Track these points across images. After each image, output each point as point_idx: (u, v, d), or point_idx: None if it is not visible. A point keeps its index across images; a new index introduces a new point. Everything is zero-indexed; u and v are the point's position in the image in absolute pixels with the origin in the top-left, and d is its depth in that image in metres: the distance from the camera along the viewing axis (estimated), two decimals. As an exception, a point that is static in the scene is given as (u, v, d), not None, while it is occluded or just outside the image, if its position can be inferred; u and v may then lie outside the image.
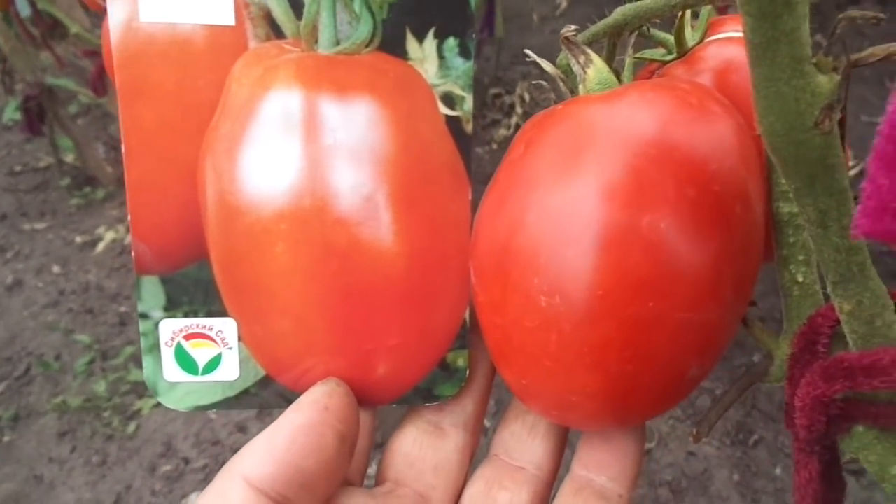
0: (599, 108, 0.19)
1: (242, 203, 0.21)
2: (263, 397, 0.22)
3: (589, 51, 0.21)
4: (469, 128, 0.22)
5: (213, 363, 0.22)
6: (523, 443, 0.23)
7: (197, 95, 0.21)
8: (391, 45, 0.21)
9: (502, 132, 1.48)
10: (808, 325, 0.18)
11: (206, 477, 0.96)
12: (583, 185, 0.18)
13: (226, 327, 0.22)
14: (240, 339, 0.22)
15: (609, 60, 0.23)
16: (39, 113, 1.36)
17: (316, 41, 0.21)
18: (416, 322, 0.22)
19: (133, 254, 0.22)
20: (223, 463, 0.86)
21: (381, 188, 0.21)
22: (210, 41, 0.20)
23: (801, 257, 0.19)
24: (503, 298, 0.19)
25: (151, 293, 0.22)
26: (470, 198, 0.22)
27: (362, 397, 0.22)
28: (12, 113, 1.56)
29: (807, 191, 0.16)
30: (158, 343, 0.22)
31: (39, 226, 1.49)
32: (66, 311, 1.27)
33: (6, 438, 1.09)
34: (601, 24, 0.22)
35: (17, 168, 1.65)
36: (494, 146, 1.47)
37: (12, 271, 1.38)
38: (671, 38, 0.26)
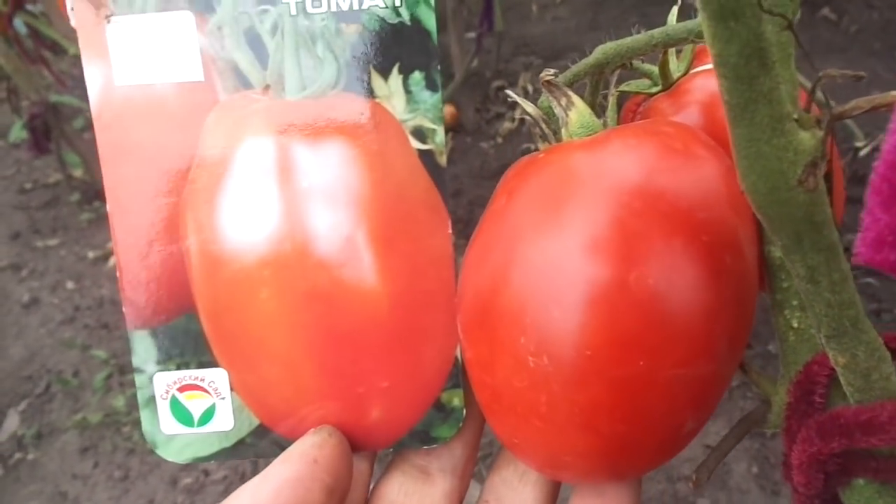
0: (582, 157, 0.19)
1: (224, 253, 0.21)
2: (259, 447, 0.22)
3: (570, 93, 0.20)
4: (443, 160, 0.22)
5: (208, 414, 0.22)
6: (514, 490, 0.23)
7: (174, 151, 0.21)
8: (357, 84, 0.21)
9: (506, 125, 1.47)
10: (804, 373, 0.18)
11: (227, 489, 0.97)
12: (567, 239, 0.18)
13: (217, 377, 0.22)
14: (232, 388, 0.22)
15: (593, 97, 0.23)
16: (45, 130, 1.37)
17: (283, 88, 0.21)
18: (405, 362, 0.22)
19: (124, 310, 0.22)
20: (242, 475, 0.87)
21: (359, 228, 0.21)
22: (182, 98, 0.21)
23: (794, 302, 0.19)
24: (491, 357, 0.19)
25: (144, 347, 0.22)
26: (449, 231, 0.22)
27: (358, 443, 0.22)
28: (19, 132, 1.57)
29: (795, 248, 0.15)
30: (154, 396, 0.22)
31: (52, 242, 1.50)
32: (83, 326, 1.29)
33: (30, 456, 1.10)
34: (582, 64, 0.21)
35: (28, 185, 1.67)
36: (499, 140, 1.46)
37: (28, 289, 1.39)
38: (656, 70, 0.25)
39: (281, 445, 0.22)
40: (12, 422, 1.17)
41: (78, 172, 1.60)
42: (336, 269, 0.21)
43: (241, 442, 0.22)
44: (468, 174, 1.37)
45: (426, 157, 0.21)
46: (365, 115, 0.21)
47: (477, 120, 1.52)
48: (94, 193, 1.59)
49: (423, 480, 0.23)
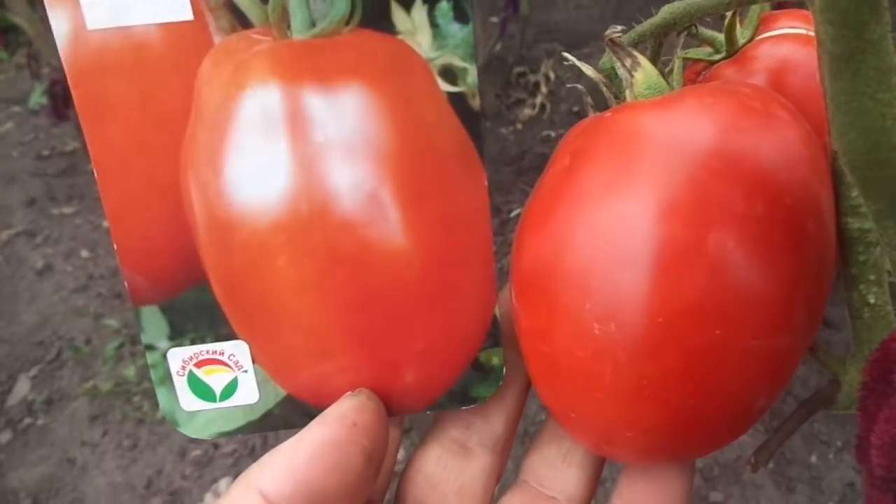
0: (654, 116, 0.18)
1: (234, 216, 0.19)
2: (288, 417, 0.21)
3: (636, 53, 0.19)
4: (476, 103, 0.19)
5: (231, 388, 0.21)
6: (556, 471, 0.22)
7: (165, 104, 0.19)
8: (375, 18, 0.18)
9: (527, 112, 1.46)
10: (881, 351, 0.17)
11: (236, 462, 0.97)
12: (640, 200, 0.17)
13: (238, 350, 0.21)
14: (254, 360, 0.21)
15: (653, 62, 0.21)
16: (65, 97, 1.36)
17: (288, 26, 0.18)
18: (441, 323, 0.20)
19: (126, 285, 0.20)
20: (252, 449, 0.86)
21: (384, 183, 0.19)
22: (169, 42, 0.18)
23: (872, 277, 0.18)
24: (550, 324, 0.18)
25: (153, 323, 0.20)
26: (486, 183, 0.20)
27: (392, 406, 0.21)
28: (39, 98, 1.57)
29: (888, 213, 0.14)
30: (170, 373, 0.21)
31: (68, 210, 1.50)
32: (96, 295, 1.29)
33: (40, 421, 1.11)
34: (647, 24, 0.20)
35: (45, 152, 1.67)
36: (519, 126, 1.44)
37: (42, 256, 1.40)
38: (718, 37, 0.24)
39: (311, 415, 0.20)
40: (23, 387, 1.18)
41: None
42: (360, 228, 0.19)
43: (268, 414, 0.21)
44: (488, 160, 1.35)
45: (457, 100, 0.19)
46: (385, 53, 0.19)
47: (497, 105, 1.50)
48: (110, 163, 1.59)
49: (461, 455, 0.22)
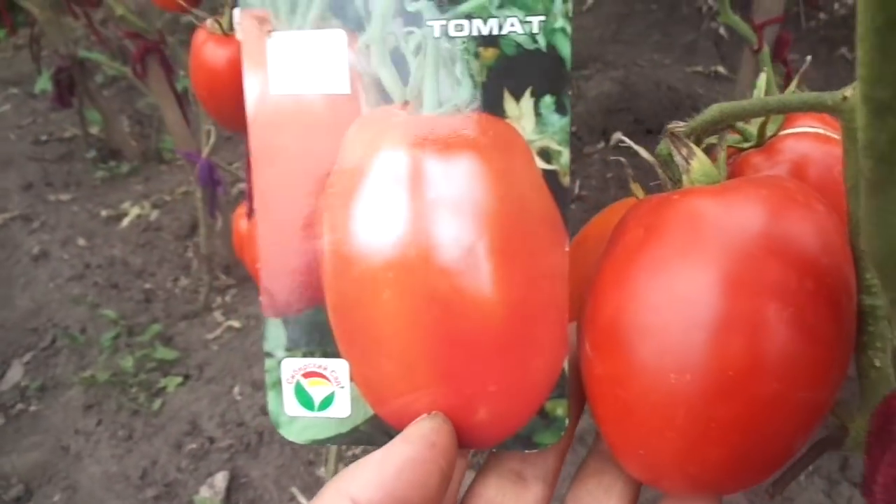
0: (717, 199, 0.21)
1: (354, 253, 0.23)
2: (372, 434, 0.24)
3: (692, 144, 0.23)
4: (566, 181, 0.23)
5: (328, 400, 0.24)
6: (599, 501, 0.24)
7: (317, 157, 0.23)
8: (490, 105, 0.22)
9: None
10: (885, 404, 0.20)
11: (231, 457, 0.99)
12: (710, 272, 0.20)
13: (339, 367, 0.24)
14: (351, 379, 0.24)
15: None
16: (70, 85, 1.37)
17: (421, 105, 0.22)
18: (515, 369, 0.23)
19: (261, 299, 0.23)
20: (248, 444, 0.88)
21: (481, 239, 0.22)
22: (329, 109, 0.23)
23: (878, 344, 0.21)
24: (629, 373, 0.21)
25: (275, 334, 0.24)
26: (567, 248, 0.23)
27: (464, 440, 0.24)
28: (45, 83, 1.57)
29: (902, 301, 0.18)
30: (281, 380, 0.24)
31: (65, 197, 1.50)
32: (92, 284, 1.30)
33: (33, 408, 1.12)
34: (699, 121, 0.23)
35: (43, 137, 1.67)
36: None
37: (38, 242, 1.40)
38: (747, 128, 0.27)
39: (391, 435, 0.23)
40: (16, 372, 1.18)
41: (95, 129, 1.60)
42: (456, 276, 0.23)
43: (355, 429, 0.24)
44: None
45: (550, 176, 0.23)
46: (495, 133, 0.22)
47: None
48: (109, 152, 1.59)
49: (519, 484, 0.24)
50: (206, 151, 0.92)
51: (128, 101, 1.75)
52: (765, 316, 0.20)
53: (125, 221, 1.43)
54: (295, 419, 0.24)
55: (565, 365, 0.23)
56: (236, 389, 1.08)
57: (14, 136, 1.67)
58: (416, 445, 0.22)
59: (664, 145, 0.24)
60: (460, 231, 0.22)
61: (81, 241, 1.40)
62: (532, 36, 0.22)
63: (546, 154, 0.23)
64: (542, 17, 0.22)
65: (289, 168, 0.23)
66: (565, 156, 0.22)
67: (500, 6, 0.22)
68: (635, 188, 0.25)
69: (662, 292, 0.20)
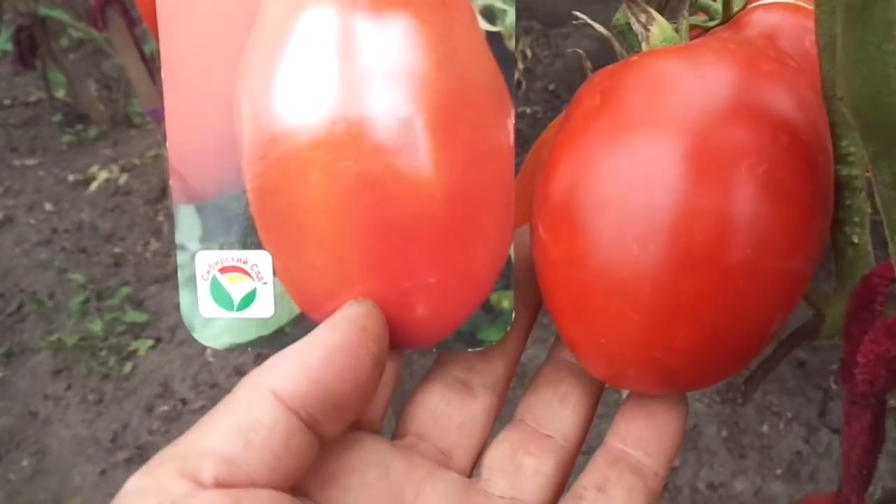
0: (679, 59, 0.19)
1: (278, 130, 0.20)
2: (298, 336, 0.21)
3: (650, 9, 0.21)
4: (511, 44, 0.20)
5: (248, 298, 0.21)
6: (553, 411, 0.23)
7: (233, 17, 0.20)
8: None
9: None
10: (864, 283, 0.18)
11: (204, 418, 0.97)
12: (675, 131, 0.18)
13: (261, 261, 0.21)
14: (275, 273, 0.21)
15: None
16: (31, 45, 1.32)
17: None
18: (456, 258, 0.21)
19: (171, 182, 0.21)
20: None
21: (418, 112, 0.20)
22: None
23: (856, 219, 0.20)
24: (587, 252, 0.19)
25: (188, 224, 0.21)
26: (512, 121, 0.21)
27: (401, 339, 0.21)
28: (4, 43, 1.51)
29: (885, 153, 0.16)
30: (195, 276, 0.21)
31: (30, 162, 1.46)
32: (60, 249, 1.26)
33: (0, 374, 1.09)
34: None
35: (7, 101, 1.62)
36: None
37: (3, 207, 1.36)
38: (713, 5, 0.25)
39: None
40: (-18, 338, 1.15)
41: (61, 93, 1.55)
42: (391, 154, 0.20)
43: (279, 331, 0.21)
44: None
45: (494, 39, 0.20)
46: None
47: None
48: (76, 116, 1.54)
49: (464, 393, 0.22)
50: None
51: (95, 64, 1.70)
52: (734, 176, 0.17)
53: (93, 186, 1.39)
54: (211, 321, 0.21)
55: (511, 252, 0.21)
56: (208, 351, 1.05)
57: (-24, 102, 1.62)
58: (344, 330, 0.19)
59: (621, 14, 0.22)
60: (395, 103, 0.20)
61: (48, 206, 1.36)
62: None
63: (490, 13, 0.20)
64: None
65: (199, 32, 0.20)
66: (511, 15, 0.20)
67: None
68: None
69: (621, 158, 0.18)
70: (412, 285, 0.21)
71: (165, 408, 0.99)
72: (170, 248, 1.24)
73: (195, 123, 0.21)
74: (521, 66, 1.53)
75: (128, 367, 1.06)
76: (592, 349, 0.20)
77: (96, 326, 1.10)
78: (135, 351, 1.08)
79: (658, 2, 0.23)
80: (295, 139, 0.20)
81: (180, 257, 0.21)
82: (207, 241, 0.21)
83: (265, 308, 0.21)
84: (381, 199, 0.20)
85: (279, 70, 0.20)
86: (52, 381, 1.07)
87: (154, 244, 1.27)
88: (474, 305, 0.21)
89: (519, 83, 1.49)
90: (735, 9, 0.27)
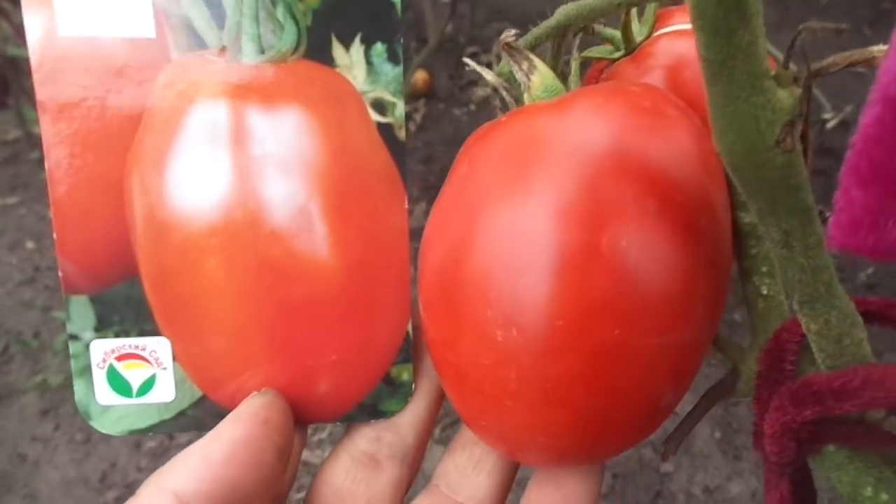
0: (547, 118, 0.18)
1: (172, 218, 0.21)
2: (201, 418, 0.22)
3: (532, 56, 0.20)
4: (402, 134, 0.21)
5: (148, 384, 0.21)
6: (467, 477, 0.22)
7: (120, 110, 0.20)
8: (317, 52, 0.21)
9: (480, 92, 1.45)
10: (773, 341, 0.17)
11: (191, 452, 0.97)
12: (533, 203, 0.17)
13: (159, 347, 0.21)
14: (174, 358, 0.21)
15: (554, 63, 0.22)
16: (3, 85, 1.32)
17: (240, 51, 0.20)
18: (357, 336, 0.22)
19: (60, 273, 0.21)
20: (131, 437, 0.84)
21: (314, 199, 0.21)
22: (131, 54, 0.20)
23: (764, 269, 0.18)
24: (455, 334, 0.18)
25: (81, 313, 0.21)
26: (406, 206, 0.22)
27: (304, 414, 0.22)
28: (-25, 85, 1.51)
29: (769, 210, 0.15)
30: (90, 365, 0.21)
31: (11, 201, 1.46)
32: (43, 287, 1.26)
33: (-12, 418, 1.08)
34: (543, 27, 0.20)
35: (-15, 141, 1.61)
36: (472, 107, 1.44)
37: (-14, 248, 1.35)
38: (618, 35, 0.24)
39: (223, 417, 0.21)
40: (-30, 383, 1.15)
41: (37, 129, 1.55)
42: (288, 239, 0.21)
43: (181, 413, 0.22)
44: (441, 141, 1.35)
45: (385, 130, 0.21)
46: (324, 83, 0.21)
47: (450, 87, 1.49)
48: (54, 151, 1.54)
49: (371, 467, 0.22)
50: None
51: (71, 96, 1.70)
52: (596, 251, 0.16)
53: (74, 220, 1.38)
54: (109, 408, 0.21)
55: (409, 327, 0.22)
56: (195, 383, 1.05)
57: (-45, 142, 1.61)
58: (246, 424, 0.20)
59: (505, 62, 0.21)
60: (291, 190, 0.21)
61: (30, 245, 1.36)
62: None
63: (380, 106, 0.21)
64: None
65: (86, 122, 0.20)
66: (400, 108, 0.21)
67: None
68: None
69: (481, 235, 0.17)
70: (315, 363, 0.21)
71: (152, 444, 0.98)
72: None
73: (83, 214, 0.21)
74: (496, 68, 1.52)
75: (114, 403, 1.05)
76: (479, 428, 0.20)
77: (81, 364, 1.09)
78: (121, 387, 1.07)
79: (555, 40, 0.22)
80: (190, 226, 0.21)
81: (73, 347, 0.21)
82: (102, 329, 0.21)
83: (166, 393, 0.22)
84: (281, 282, 0.21)
85: (173, 160, 0.21)
86: (39, 422, 1.06)
87: (137, 276, 1.26)
88: (375, 379, 0.22)
89: (496, 89, 1.49)
90: (639, 38, 0.25)
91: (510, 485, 0.22)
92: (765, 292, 0.18)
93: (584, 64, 0.23)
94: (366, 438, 0.22)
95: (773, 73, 0.14)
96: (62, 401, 1.07)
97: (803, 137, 0.15)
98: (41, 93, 0.20)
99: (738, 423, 0.90)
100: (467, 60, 0.21)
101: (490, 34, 1.61)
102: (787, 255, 0.15)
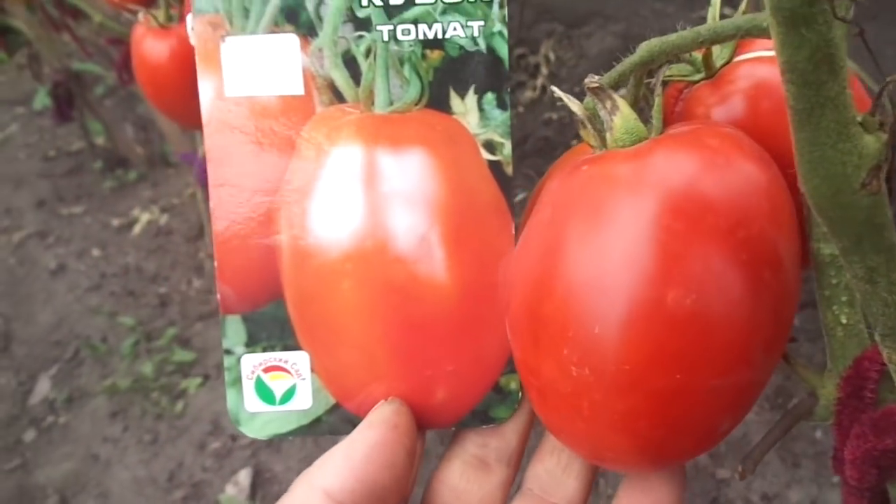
0: (625, 170, 0.20)
1: (312, 247, 0.24)
2: (334, 424, 0.25)
3: (616, 97, 0.21)
4: (509, 170, 0.24)
5: (289, 393, 0.24)
6: (557, 480, 0.24)
7: (274, 155, 0.24)
8: (438, 102, 0.24)
9: (528, 94, 1.46)
10: (854, 369, 0.18)
11: (254, 453, 0.99)
12: (608, 256, 0.19)
13: (300, 360, 0.24)
14: (312, 370, 0.24)
15: (636, 90, 0.23)
16: (68, 98, 1.37)
17: (373, 104, 0.24)
18: (469, 349, 0.24)
19: (218, 296, 0.24)
20: (269, 441, 0.88)
21: (433, 228, 0.24)
22: (283, 109, 0.24)
23: (844, 298, 0.19)
24: (537, 362, 0.21)
25: (234, 331, 0.24)
26: (513, 232, 0.24)
27: (423, 420, 0.24)
28: (43, 99, 1.57)
29: (854, 249, 0.16)
30: (241, 376, 0.24)
31: (77, 210, 1.52)
32: (109, 294, 1.31)
33: (62, 419, 1.13)
34: (626, 64, 0.21)
35: (51, 153, 1.68)
36: (521, 109, 1.45)
37: (55, 256, 1.41)
38: (699, 57, 0.25)
39: (353, 423, 0.24)
40: (43, 386, 1.20)
41: (100, 140, 1.60)
42: (411, 264, 0.24)
43: (317, 419, 0.25)
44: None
45: (495, 166, 0.24)
46: (443, 128, 0.24)
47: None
48: (116, 161, 1.60)
49: (482, 469, 0.24)
50: (201, 151, 0.91)
51: (130, 107, 1.75)
52: (662, 305, 0.18)
53: (136, 228, 1.44)
54: (256, 415, 0.24)
55: None
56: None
57: (23, 156, 1.69)
58: (379, 429, 0.22)
59: (589, 99, 0.22)
60: (414, 221, 0.24)
61: (96, 252, 1.41)
62: (473, 39, 0.24)
63: (490, 146, 0.24)
64: (482, 22, 0.23)
65: (244, 167, 0.24)
66: (507, 147, 0.24)
67: (444, 12, 0.23)
68: (586, 134, 0.23)
69: (562, 280, 0.20)
70: (433, 374, 0.24)
71: (217, 445, 1.02)
72: (211, 284, 1.27)
73: (239, 246, 0.24)
74: (545, 70, 1.51)
75: (179, 405, 1.09)
76: (561, 437, 0.23)
77: (147, 368, 1.14)
78: (185, 390, 1.11)
79: (637, 75, 0.23)
80: (328, 254, 0.24)
81: (227, 360, 0.24)
82: (252, 344, 0.24)
83: (304, 401, 0.25)
84: (404, 302, 0.24)
85: (314, 197, 0.24)
86: (110, 424, 1.11)
87: (196, 282, 1.30)
88: (486, 388, 0.24)
89: (544, 88, 1.48)
90: (720, 62, 0.26)
91: (592, 484, 0.25)
92: (844, 321, 0.19)
93: (664, 82, 0.24)
94: (474, 444, 0.25)
95: (859, 119, 0.15)
96: (130, 403, 1.11)
97: (888, 178, 0.15)
98: (209, 143, 0.24)
99: (796, 429, 0.89)
100: (556, 90, 0.23)
101: (538, 35, 1.61)
102: (870, 291, 0.16)
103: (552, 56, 1.54)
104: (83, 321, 1.27)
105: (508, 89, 0.24)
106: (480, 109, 0.24)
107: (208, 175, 0.24)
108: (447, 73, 0.24)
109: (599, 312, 0.19)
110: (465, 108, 0.24)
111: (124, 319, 1.23)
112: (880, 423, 0.16)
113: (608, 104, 0.20)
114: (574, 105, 0.22)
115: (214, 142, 0.24)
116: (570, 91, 0.22)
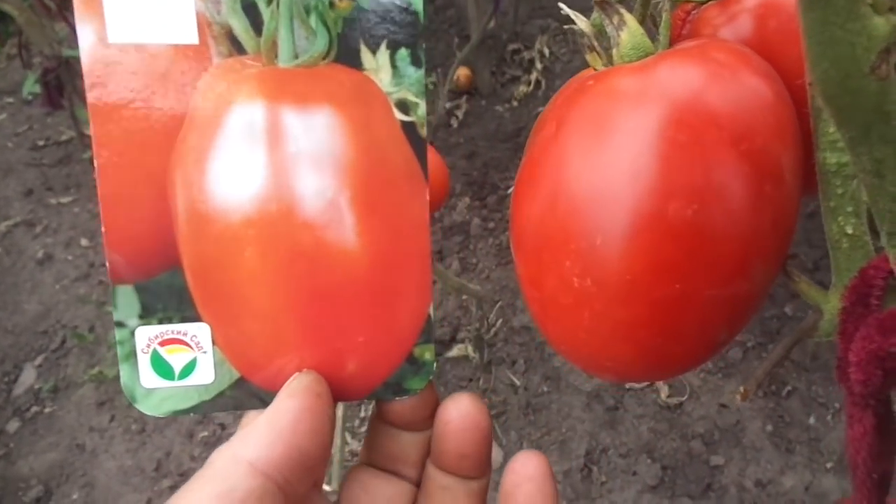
0: (628, 84, 0.20)
1: (212, 211, 0.22)
2: (238, 398, 0.23)
3: (623, 12, 0.20)
4: (424, 132, 0.23)
5: (189, 368, 0.23)
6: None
7: (164, 111, 0.22)
8: (347, 57, 0.22)
9: (522, 89, 1.45)
10: (859, 277, 0.17)
11: (242, 441, 0.98)
12: (611, 170, 0.19)
13: (200, 332, 0.23)
14: (214, 342, 0.23)
15: (643, 9, 0.22)
16: (58, 85, 1.36)
17: (276, 56, 0.22)
18: (382, 319, 0.23)
19: (107, 264, 0.22)
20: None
21: (343, 192, 0.22)
22: (175, 59, 0.22)
23: (849, 209, 0.18)
24: (539, 275, 0.21)
25: (126, 302, 0.22)
26: (427, 199, 0.23)
27: (335, 393, 0.23)
28: (32, 86, 1.56)
29: (861, 139, 0.15)
30: (135, 350, 0.23)
31: (65, 199, 1.51)
32: (97, 283, 1.30)
33: (47, 409, 1.12)
34: None
35: (40, 142, 1.67)
36: (515, 103, 1.44)
37: (42, 245, 1.40)
38: None
39: (259, 397, 0.23)
40: (29, 376, 1.19)
41: (89, 129, 1.59)
42: (319, 230, 0.22)
43: (220, 394, 0.23)
44: (483, 137, 1.36)
45: (408, 128, 0.23)
46: (353, 85, 0.22)
47: (492, 83, 1.50)
48: (106, 152, 1.58)
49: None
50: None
51: (121, 99, 1.74)
52: (662, 216, 0.18)
53: (126, 218, 1.42)
54: (153, 391, 0.23)
55: (430, 310, 0.23)
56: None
57: (12, 144, 1.67)
58: (303, 397, 0.21)
59: (597, 15, 0.21)
60: (322, 184, 0.22)
61: (84, 242, 1.40)
62: None
63: (404, 106, 0.23)
64: None
65: (133, 122, 0.22)
66: (422, 107, 0.23)
67: None
68: (592, 59, 0.22)
69: (564, 193, 0.20)
70: (344, 345, 0.23)
71: (205, 433, 1.00)
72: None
73: (130, 208, 0.22)
74: (539, 65, 1.51)
75: (167, 394, 1.07)
76: (559, 349, 0.23)
77: (134, 357, 1.12)
78: (173, 378, 1.09)
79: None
80: (229, 219, 0.22)
81: (119, 334, 0.23)
82: (146, 316, 0.22)
83: (206, 375, 0.23)
84: (312, 269, 0.22)
85: (213, 157, 0.22)
86: (96, 414, 1.10)
87: (186, 272, 1.29)
88: (400, 359, 0.23)
89: (538, 83, 1.48)
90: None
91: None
92: (850, 231, 0.18)
93: (669, 21, 0.24)
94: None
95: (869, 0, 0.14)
96: (117, 392, 1.10)
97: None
98: (91, 96, 0.21)
99: (790, 416, 0.89)
100: (562, 5, 0.22)
101: (533, 31, 1.61)
102: (877, 185, 0.15)
103: (546, 51, 1.54)
104: (70, 311, 1.26)
105: (423, 45, 0.22)
106: (393, 66, 0.22)
107: (92, 131, 0.21)
108: (358, 25, 0.22)
109: (602, 224, 0.19)
110: (377, 64, 0.22)
111: (112, 309, 1.22)
112: (886, 323, 0.16)
113: (615, 19, 0.20)
114: (581, 21, 0.21)
115: (98, 94, 0.21)
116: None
